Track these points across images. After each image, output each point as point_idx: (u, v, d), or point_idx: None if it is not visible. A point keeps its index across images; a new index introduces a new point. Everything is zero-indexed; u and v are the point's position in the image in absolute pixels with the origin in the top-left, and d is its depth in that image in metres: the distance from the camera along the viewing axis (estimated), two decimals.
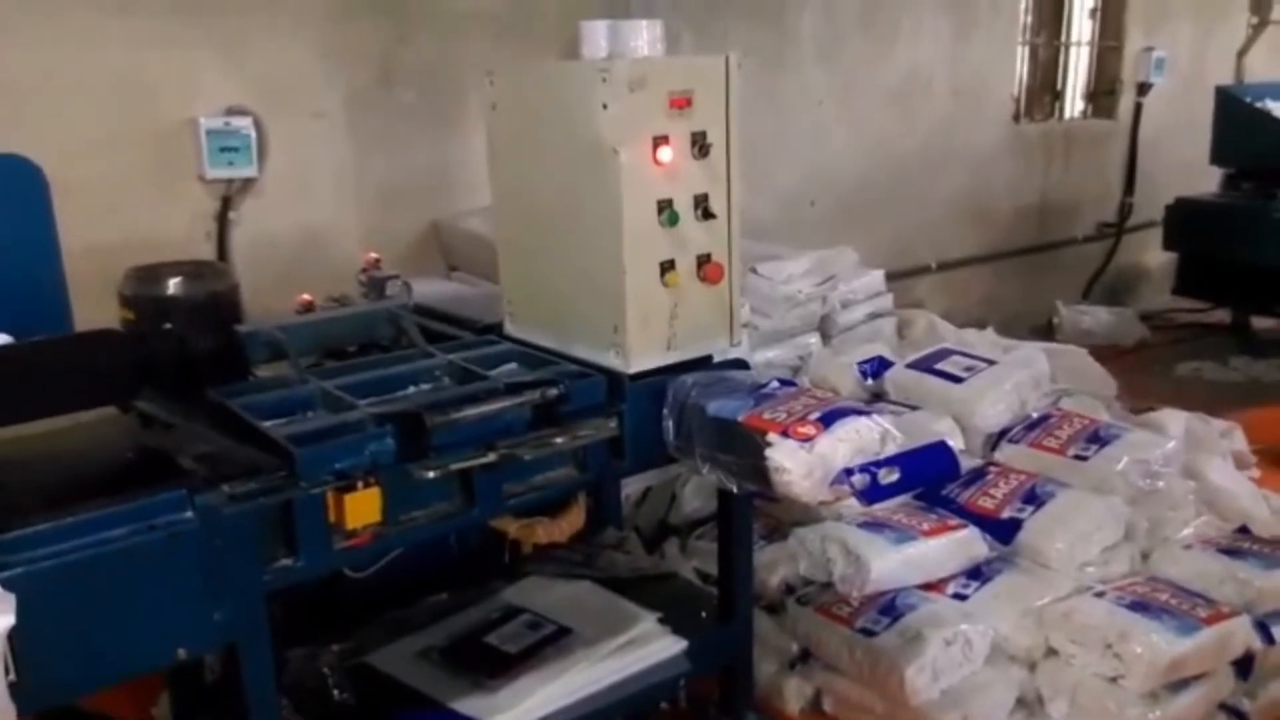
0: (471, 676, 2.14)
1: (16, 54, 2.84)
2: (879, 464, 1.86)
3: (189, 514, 1.57)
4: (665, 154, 1.99)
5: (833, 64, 4.85)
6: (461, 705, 2.06)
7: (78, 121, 2.93)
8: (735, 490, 2.00)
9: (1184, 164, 6.18)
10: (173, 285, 2.09)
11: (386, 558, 2.04)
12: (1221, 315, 6.25)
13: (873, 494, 1.85)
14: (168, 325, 2.07)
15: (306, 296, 2.44)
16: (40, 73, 2.88)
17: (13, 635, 1.35)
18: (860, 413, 1.93)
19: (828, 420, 1.87)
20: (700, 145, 2.04)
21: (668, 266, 2.06)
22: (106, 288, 2.13)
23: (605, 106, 1.96)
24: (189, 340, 2.07)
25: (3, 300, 1.83)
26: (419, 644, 2.26)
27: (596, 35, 2.08)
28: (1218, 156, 5.95)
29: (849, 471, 1.83)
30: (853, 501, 1.91)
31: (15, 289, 1.93)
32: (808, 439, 1.84)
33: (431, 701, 2.08)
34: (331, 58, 3.37)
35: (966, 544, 2.73)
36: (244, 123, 3.17)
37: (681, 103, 2.00)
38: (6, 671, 1.36)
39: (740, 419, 1.93)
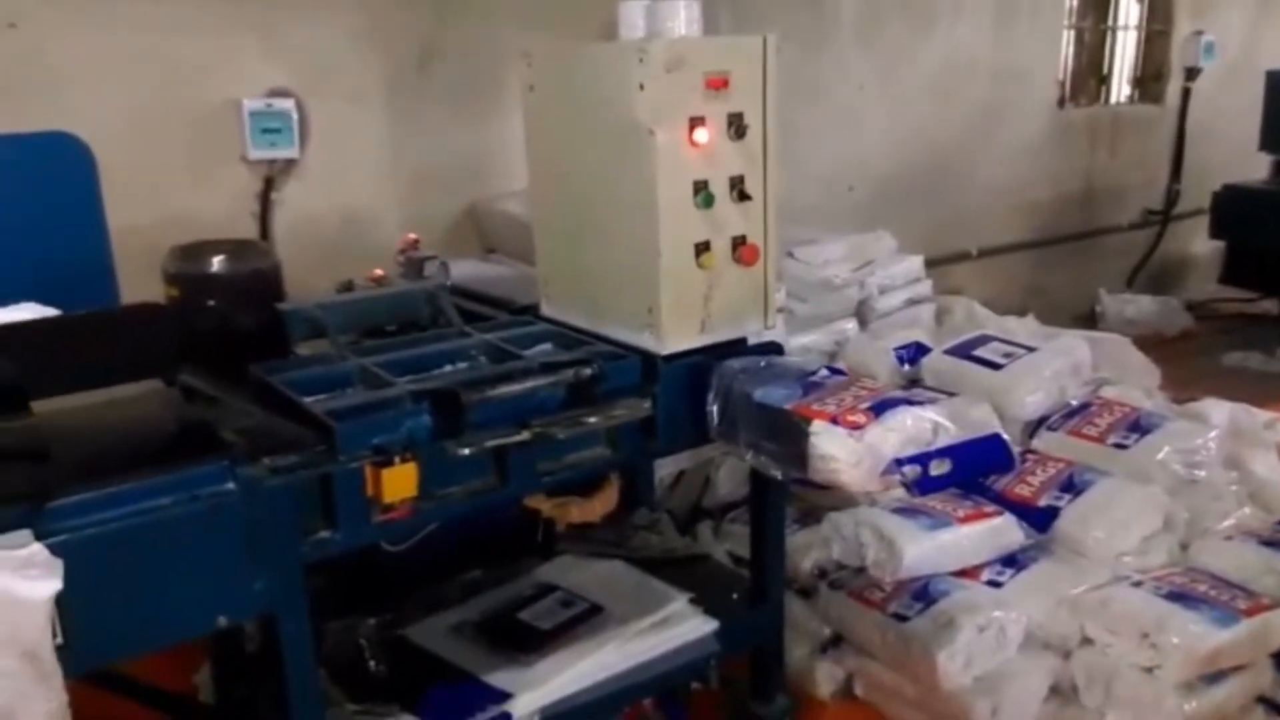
0: (505, 651, 2.16)
1: (63, 38, 2.89)
2: (930, 455, 1.83)
3: (231, 485, 1.60)
4: (701, 135, 1.99)
5: (872, 47, 4.80)
6: (494, 679, 2.09)
7: (123, 103, 2.98)
8: (781, 478, 1.98)
9: (1233, 150, 6.04)
10: (216, 263, 2.13)
11: (422, 532, 2.06)
12: (1269, 305, 6.10)
13: (924, 485, 1.83)
14: (211, 302, 2.11)
15: (381, 268, 2.46)
16: (86, 56, 2.92)
17: (60, 600, 1.39)
18: (912, 403, 1.90)
19: (879, 410, 1.85)
20: (737, 126, 2.03)
21: (703, 248, 2.05)
22: (151, 266, 2.17)
23: (642, 87, 1.96)
24: (231, 317, 2.12)
25: (51, 274, 1.87)
26: (454, 619, 2.29)
27: (634, 15, 2.08)
28: (1267, 142, 5.81)
29: (900, 462, 1.81)
30: (901, 491, 1.89)
31: (63, 264, 1.97)
32: (858, 428, 1.82)
33: (465, 674, 2.11)
34: (371, 40, 3.39)
35: (1001, 531, 2.71)
36: (286, 104, 3.21)
37: (718, 83, 1.99)
38: (54, 635, 1.40)
39: (789, 407, 1.92)
